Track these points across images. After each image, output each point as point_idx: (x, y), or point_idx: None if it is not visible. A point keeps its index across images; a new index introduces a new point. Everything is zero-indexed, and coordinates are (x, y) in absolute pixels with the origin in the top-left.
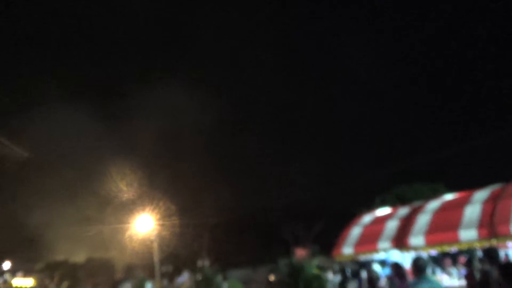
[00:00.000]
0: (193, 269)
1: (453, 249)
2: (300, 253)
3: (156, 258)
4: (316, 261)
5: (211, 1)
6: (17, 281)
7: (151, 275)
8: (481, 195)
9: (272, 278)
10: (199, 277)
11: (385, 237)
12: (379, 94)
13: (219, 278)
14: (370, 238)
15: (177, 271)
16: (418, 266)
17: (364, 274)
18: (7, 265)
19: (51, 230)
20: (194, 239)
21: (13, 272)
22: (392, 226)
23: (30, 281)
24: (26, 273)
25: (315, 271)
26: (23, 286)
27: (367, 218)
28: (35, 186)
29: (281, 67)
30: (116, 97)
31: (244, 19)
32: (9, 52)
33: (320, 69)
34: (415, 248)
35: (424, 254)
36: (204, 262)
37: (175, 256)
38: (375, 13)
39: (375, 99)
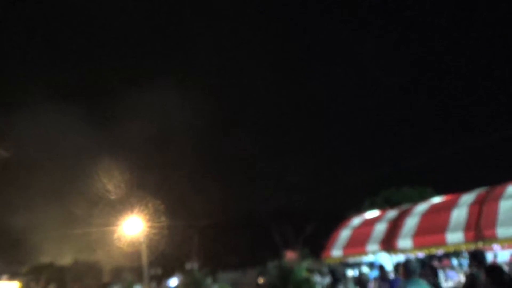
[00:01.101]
0: (182, 272)
1: (440, 251)
2: (290, 255)
3: (144, 260)
4: (306, 263)
5: (202, 2)
6: (1, 284)
7: (139, 278)
8: (467, 198)
9: (261, 280)
10: (187, 280)
11: (374, 240)
12: (368, 97)
13: (208, 281)
14: (359, 241)
15: (166, 274)
16: (408, 268)
17: (350, 275)
18: None
19: (37, 231)
20: (183, 241)
21: None
22: (380, 228)
23: (15, 284)
24: (12, 276)
25: (304, 274)
26: None
27: (356, 221)
28: (21, 187)
29: (271, 69)
30: (106, 98)
31: (235, 18)
32: None
33: (309, 72)
34: (403, 251)
35: (412, 256)
36: (193, 265)
37: (163, 259)
38: (374, 13)
39: (365, 102)
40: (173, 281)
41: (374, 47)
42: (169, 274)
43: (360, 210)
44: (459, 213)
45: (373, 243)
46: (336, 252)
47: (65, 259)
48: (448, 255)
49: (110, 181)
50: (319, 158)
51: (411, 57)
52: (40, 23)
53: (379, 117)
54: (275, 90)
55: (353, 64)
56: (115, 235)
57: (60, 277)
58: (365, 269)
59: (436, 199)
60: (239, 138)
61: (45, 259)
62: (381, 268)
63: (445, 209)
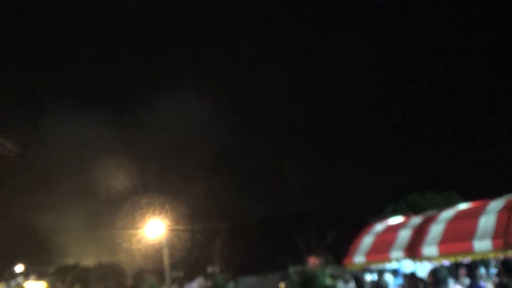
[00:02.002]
0: (204, 275)
1: (467, 259)
2: (312, 261)
3: (166, 263)
4: (329, 270)
5: (218, 6)
6: (29, 284)
7: (161, 281)
8: (495, 204)
9: (282, 286)
10: (209, 283)
11: (398, 246)
12: (392, 101)
13: (230, 285)
14: (382, 247)
15: (187, 277)
16: (438, 277)
17: (369, 280)
18: (19, 268)
19: (62, 233)
20: (204, 244)
21: (26, 275)
22: (404, 235)
23: (42, 284)
24: (39, 276)
25: (328, 280)
26: None
27: (378, 227)
28: (47, 190)
29: (292, 73)
30: (128, 103)
31: (252, 24)
32: (23, 60)
33: (330, 73)
34: (428, 258)
35: (437, 264)
36: (214, 268)
37: (185, 262)
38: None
39: (387, 106)
40: (194, 285)
41: (398, 46)
42: (190, 277)
43: (382, 216)
44: (487, 220)
45: (397, 249)
46: (358, 258)
47: (89, 261)
48: (475, 264)
49: (132, 185)
50: (342, 163)
51: (438, 56)
52: (67, 30)
53: (402, 120)
54: (294, 94)
55: (374, 63)
56: (137, 238)
57: (84, 278)
58: (388, 276)
59: (463, 206)
60: (262, 144)
61: (70, 260)
62: (412, 275)
63: (472, 216)
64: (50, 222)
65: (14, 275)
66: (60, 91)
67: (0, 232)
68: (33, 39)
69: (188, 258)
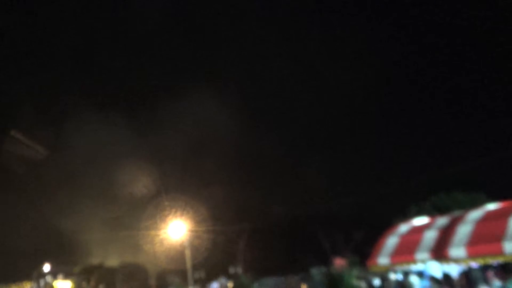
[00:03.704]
0: (226, 276)
1: (496, 261)
2: (338, 262)
3: (188, 264)
4: (356, 271)
5: (237, 8)
6: (58, 283)
7: (183, 281)
8: None
9: (303, 287)
10: (231, 284)
11: (423, 248)
12: (417, 100)
13: (255, 286)
14: (407, 248)
15: (210, 277)
16: (471, 279)
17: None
18: (47, 267)
19: (87, 235)
20: (227, 246)
21: (53, 274)
22: (430, 236)
23: (68, 283)
24: (65, 276)
25: (355, 281)
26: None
27: (403, 228)
28: (73, 193)
29: (308, 72)
30: (148, 107)
31: (267, 27)
32: (47, 65)
33: (348, 74)
34: (456, 260)
35: (464, 266)
36: (236, 269)
37: (207, 262)
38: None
39: (412, 105)
40: (216, 286)
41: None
42: (212, 278)
43: (407, 217)
44: None
45: (423, 251)
46: (383, 260)
47: (113, 261)
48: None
49: (154, 187)
50: (365, 162)
51: (461, 52)
52: (88, 36)
53: (428, 119)
54: (316, 94)
55: (398, 59)
56: (160, 239)
57: (109, 278)
58: (413, 278)
59: (491, 206)
60: (278, 143)
61: (94, 260)
62: (446, 276)
63: (501, 217)
64: (76, 223)
65: (43, 275)
66: (82, 97)
67: (27, 233)
68: (58, 45)
69: (210, 259)
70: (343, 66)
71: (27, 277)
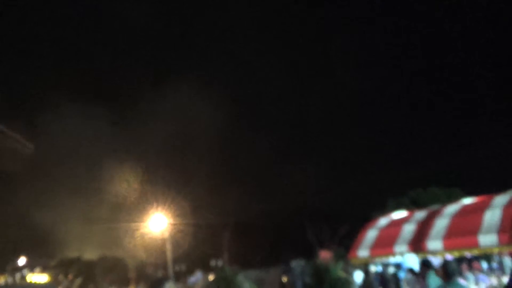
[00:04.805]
0: (207, 269)
1: (470, 254)
2: (324, 255)
3: (169, 257)
4: (341, 263)
5: (221, 4)
6: (33, 277)
7: (163, 274)
8: (501, 199)
9: (285, 279)
10: (212, 277)
11: (402, 241)
12: (393, 96)
13: (239, 278)
14: (386, 241)
15: (190, 271)
16: (448, 270)
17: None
18: (22, 261)
19: (64, 227)
20: (208, 239)
21: (30, 268)
22: (409, 229)
23: (45, 277)
24: (43, 269)
25: (340, 273)
26: (38, 282)
27: (383, 221)
28: (48, 185)
29: (292, 68)
30: (127, 99)
31: (252, 19)
32: (25, 56)
33: (330, 70)
34: (433, 253)
35: (441, 259)
36: (217, 262)
37: (187, 256)
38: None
39: (389, 101)
40: (194, 278)
41: (402, 42)
42: (193, 271)
43: (385, 211)
44: (493, 215)
45: (401, 244)
46: (362, 252)
47: (91, 254)
48: (477, 258)
49: (134, 179)
50: (344, 158)
51: (436, 46)
52: (67, 26)
53: (404, 116)
54: (294, 90)
55: (377, 60)
56: (140, 232)
57: (87, 272)
58: (391, 270)
59: (467, 200)
60: (264, 138)
61: (72, 253)
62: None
63: (477, 211)
64: (52, 216)
65: (18, 268)
66: (60, 89)
67: (1, 227)
68: (36, 36)
69: (191, 252)
70: (330, 64)
71: (1, 271)
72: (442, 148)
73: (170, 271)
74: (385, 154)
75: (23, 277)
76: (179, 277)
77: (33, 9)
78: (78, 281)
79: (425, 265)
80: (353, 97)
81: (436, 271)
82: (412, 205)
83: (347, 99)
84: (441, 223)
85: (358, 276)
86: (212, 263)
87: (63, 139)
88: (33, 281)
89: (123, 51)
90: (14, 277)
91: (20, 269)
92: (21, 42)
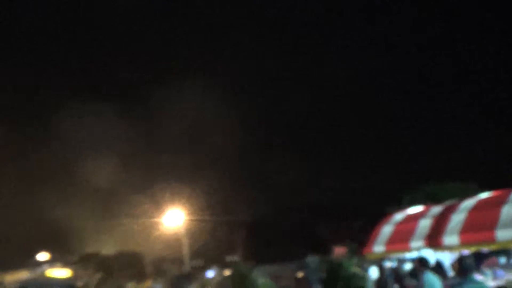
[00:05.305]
0: (222, 265)
1: (487, 249)
2: (338, 251)
3: (185, 252)
4: (355, 259)
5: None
6: (54, 271)
7: (180, 269)
8: None
9: (300, 275)
10: (228, 272)
11: (418, 236)
12: (409, 88)
13: (255, 273)
14: (402, 237)
15: (206, 266)
16: (464, 266)
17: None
18: (43, 256)
19: (83, 223)
20: (223, 235)
21: (50, 263)
22: (425, 224)
23: (66, 271)
24: (64, 265)
25: (354, 269)
26: (59, 276)
27: (398, 217)
28: (67, 182)
29: (303, 65)
30: (140, 97)
31: (261, 19)
32: (36, 55)
33: (342, 64)
34: (450, 248)
35: (458, 254)
36: (233, 257)
37: (204, 250)
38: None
39: (404, 94)
40: (210, 273)
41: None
42: (209, 267)
43: (400, 206)
44: (510, 210)
45: (417, 239)
46: (378, 248)
47: (109, 249)
48: (495, 253)
49: (150, 176)
50: (359, 152)
51: (449, 40)
52: (76, 28)
53: (419, 109)
54: (310, 84)
55: (390, 54)
56: (156, 227)
57: (106, 267)
58: (408, 266)
59: (484, 195)
60: (275, 133)
61: (90, 249)
62: (438, 264)
63: (494, 205)
64: (70, 212)
65: (39, 263)
66: (73, 87)
67: (22, 222)
68: (47, 35)
69: (207, 247)
70: (340, 57)
71: (23, 266)
72: (458, 141)
73: (187, 266)
74: (400, 148)
75: (43, 272)
76: (196, 272)
77: (42, 7)
78: (97, 276)
79: (421, 263)
80: (367, 89)
81: (453, 266)
82: (428, 200)
83: (360, 90)
84: (457, 218)
85: (373, 272)
86: (228, 258)
87: (79, 137)
88: (54, 276)
89: (134, 49)
90: (35, 272)
91: (41, 264)
92: (31, 42)
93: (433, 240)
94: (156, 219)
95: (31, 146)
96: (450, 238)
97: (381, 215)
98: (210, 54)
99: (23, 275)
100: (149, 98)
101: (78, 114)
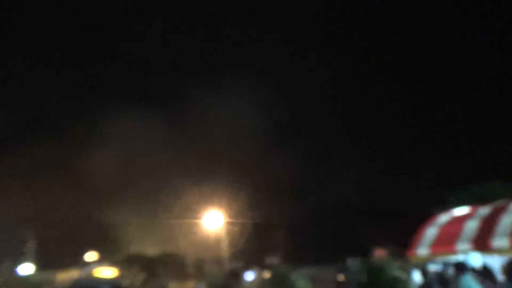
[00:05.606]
0: (262, 266)
1: None
2: (378, 253)
3: (225, 254)
4: (398, 262)
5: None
6: (100, 271)
7: (221, 270)
8: None
9: (341, 278)
10: (267, 274)
11: (464, 238)
12: (456, 84)
13: (294, 275)
14: (447, 239)
15: (246, 268)
16: None
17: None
18: (91, 256)
19: (127, 224)
20: (263, 236)
21: (98, 262)
22: (472, 226)
23: (113, 271)
24: (110, 264)
25: (397, 272)
26: (107, 276)
27: (443, 218)
28: (112, 185)
29: (344, 64)
30: (181, 103)
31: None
32: (79, 63)
33: (382, 64)
34: (499, 251)
35: (507, 257)
36: (272, 259)
37: (243, 253)
38: None
39: (451, 90)
40: (249, 275)
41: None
42: (249, 268)
43: (445, 206)
44: None
45: (464, 241)
46: (422, 250)
47: (152, 250)
48: None
49: (191, 177)
50: (401, 151)
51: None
52: (118, 36)
53: (463, 105)
54: (345, 85)
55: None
56: (196, 229)
57: (150, 266)
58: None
59: None
60: (318, 138)
61: (134, 249)
62: (485, 268)
63: None
64: (116, 213)
65: (88, 262)
66: (119, 94)
67: (71, 223)
68: (90, 43)
69: (246, 249)
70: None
71: (72, 265)
72: (507, 139)
73: (227, 267)
74: (443, 146)
75: (92, 271)
76: (236, 273)
77: (86, 15)
78: (142, 276)
79: (458, 267)
80: (409, 90)
81: (503, 270)
82: (475, 201)
83: (402, 91)
84: (507, 219)
85: (417, 276)
86: (267, 260)
87: (124, 142)
88: (102, 276)
89: (174, 56)
90: (84, 271)
91: (89, 264)
92: (78, 50)
93: (481, 242)
94: (197, 220)
95: (80, 150)
96: (500, 240)
97: (425, 217)
98: (253, 59)
99: (73, 274)
100: (191, 103)
101: (124, 119)
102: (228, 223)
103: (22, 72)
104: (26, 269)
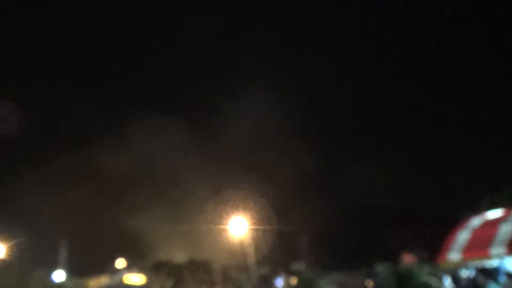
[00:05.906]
0: (288, 272)
1: None
2: (407, 258)
3: (251, 261)
4: (427, 267)
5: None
6: (129, 277)
7: (247, 276)
8: None
9: (370, 283)
10: (294, 280)
11: (499, 242)
12: (483, 82)
13: (321, 282)
14: (480, 243)
15: (273, 274)
16: None
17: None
18: (121, 262)
19: (154, 231)
20: (289, 242)
21: (127, 269)
22: (507, 229)
23: (141, 278)
24: (139, 271)
25: (426, 278)
26: (135, 283)
27: (475, 222)
28: (139, 192)
29: (365, 63)
30: (203, 109)
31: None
32: (106, 71)
33: (406, 62)
34: None
35: None
36: (299, 265)
37: (270, 259)
38: None
39: (478, 88)
40: (279, 281)
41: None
42: (276, 274)
43: (478, 209)
44: None
45: (498, 246)
46: (453, 255)
47: (178, 256)
48: None
49: (215, 184)
50: (430, 153)
51: None
52: (142, 44)
53: (495, 104)
54: (367, 87)
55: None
56: (222, 235)
57: (177, 273)
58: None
59: None
60: (339, 137)
61: (162, 255)
62: None
63: None
64: (143, 221)
65: (117, 269)
66: (143, 101)
67: (100, 230)
68: (115, 51)
69: (273, 255)
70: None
71: (103, 272)
72: None
73: (254, 274)
74: (476, 146)
75: (121, 278)
76: (267, 280)
77: (112, 21)
78: (170, 282)
79: (484, 273)
80: (439, 90)
81: None
82: (510, 203)
83: (423, 84)
84: None
85: (448, 282)
86: (294, 266)
87: (151, 149)
88: (131, 282)
89: (197, 63)
90: (113, 278)
91: (118, 270)
92: (103, 59)
93: None
94: (222, 226)
95: (110, 158)
96: None
97: (456, 220)
98: (277, 64)
99: (103, 281)
100: (218, 110)
101: (150, 127)
102: (254, 228)
103: (57, 85)
104: (59, 276)
